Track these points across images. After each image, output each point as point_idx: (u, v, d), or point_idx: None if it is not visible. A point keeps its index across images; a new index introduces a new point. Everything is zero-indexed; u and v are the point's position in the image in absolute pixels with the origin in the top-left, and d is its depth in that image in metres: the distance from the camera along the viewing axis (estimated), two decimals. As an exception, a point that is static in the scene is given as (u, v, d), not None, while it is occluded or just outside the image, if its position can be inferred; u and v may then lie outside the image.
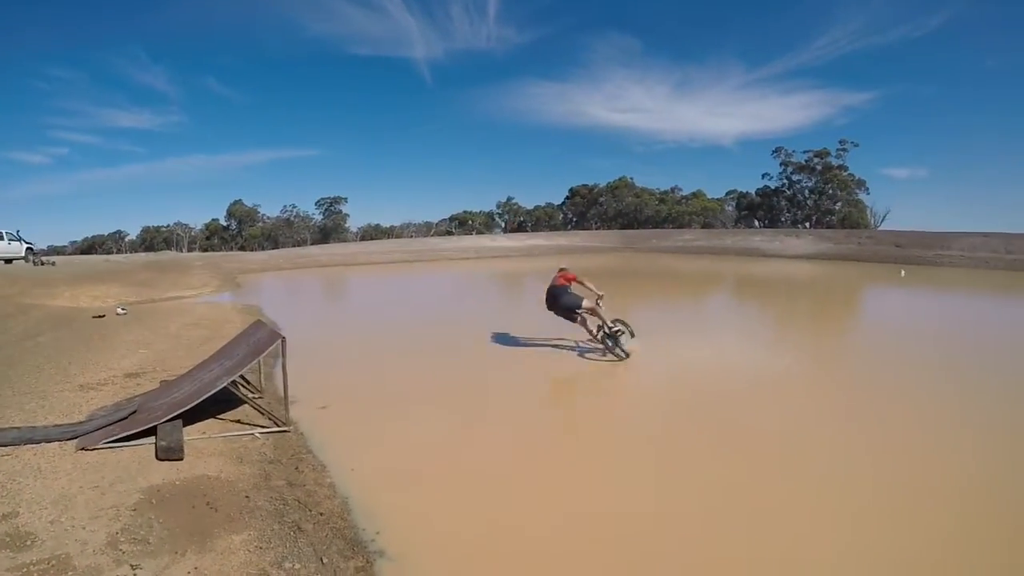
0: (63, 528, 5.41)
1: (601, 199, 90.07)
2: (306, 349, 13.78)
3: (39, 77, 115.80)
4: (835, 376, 12.68)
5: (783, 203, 79.95)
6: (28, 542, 5.14)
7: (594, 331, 13.68)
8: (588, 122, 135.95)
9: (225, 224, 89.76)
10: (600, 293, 13.72)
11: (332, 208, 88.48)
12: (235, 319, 18.58)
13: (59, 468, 6.80)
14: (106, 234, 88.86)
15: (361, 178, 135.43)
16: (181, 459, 7.15)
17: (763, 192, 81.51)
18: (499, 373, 12.77)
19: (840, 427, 9.17)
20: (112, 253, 73.37)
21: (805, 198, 77.84)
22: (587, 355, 13.63)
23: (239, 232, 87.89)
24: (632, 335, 13.25)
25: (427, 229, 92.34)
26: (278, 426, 8.53)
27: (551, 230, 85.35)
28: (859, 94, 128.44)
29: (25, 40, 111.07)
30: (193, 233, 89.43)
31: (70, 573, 4.73)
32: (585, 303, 13.61)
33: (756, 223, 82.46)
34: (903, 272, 36.25)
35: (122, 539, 5.24)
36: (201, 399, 8.24)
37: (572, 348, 14.24)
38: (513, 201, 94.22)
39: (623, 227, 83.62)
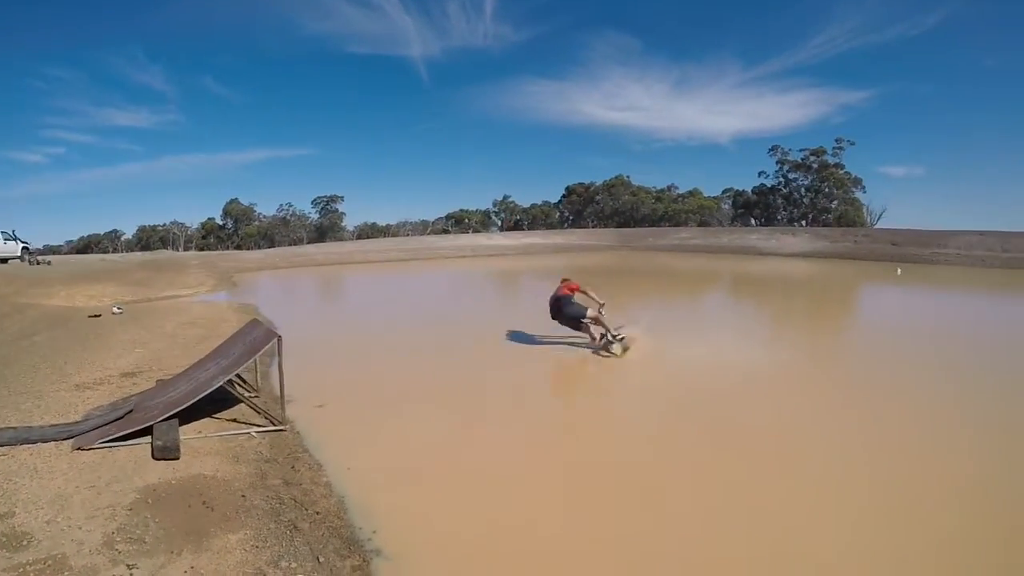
0: (59, 528, 5.41)
1: (598, 197, 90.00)
2: (302, 348, 13.76)
3: (36, 76, 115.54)
4: (831, 374, 12.70)
5: (779, 201, 79.98)
6: (24, 542, 5.14)
7: (597, 338, 13.70)
8: (585, 120, 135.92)
9: (221, 223, 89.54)
10: (602, 302, 13.80)
11: (328, 207, 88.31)
12: (231, 318, 18.56)
13: (55, 468, 6.79)
14: (102, 233, 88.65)
15: (357, 177, 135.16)
16: (177, 458, 7.15)
17: (759, 190, 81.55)
18: (496, 372, 12.77)
19: (837, 425, 9.19)
20: (108, 252, 73.18)
21: (801, 196, 77.86)
22: (584, 354, 13.63)
23: (235, 231, 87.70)
24: (626, 349, 13.29)
25: (423, 228, 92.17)
26: (274, 425, 8.53)
27: (547, 228, 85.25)
28: (856, 92, 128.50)
29: (21, 39, 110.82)
30: (189, 232, 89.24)
31: (66, 573, 4.73)
32: (589, 312, 13.69)
33: (752, 221, 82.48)
34: (899, 270, 36.30)
35: (118, 539, 5.24)
36: (197, 398, 8.24)
37: (569, 346, 14.23)
38: (510, 199, 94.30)
39: (619, 225, 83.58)
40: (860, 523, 6.09)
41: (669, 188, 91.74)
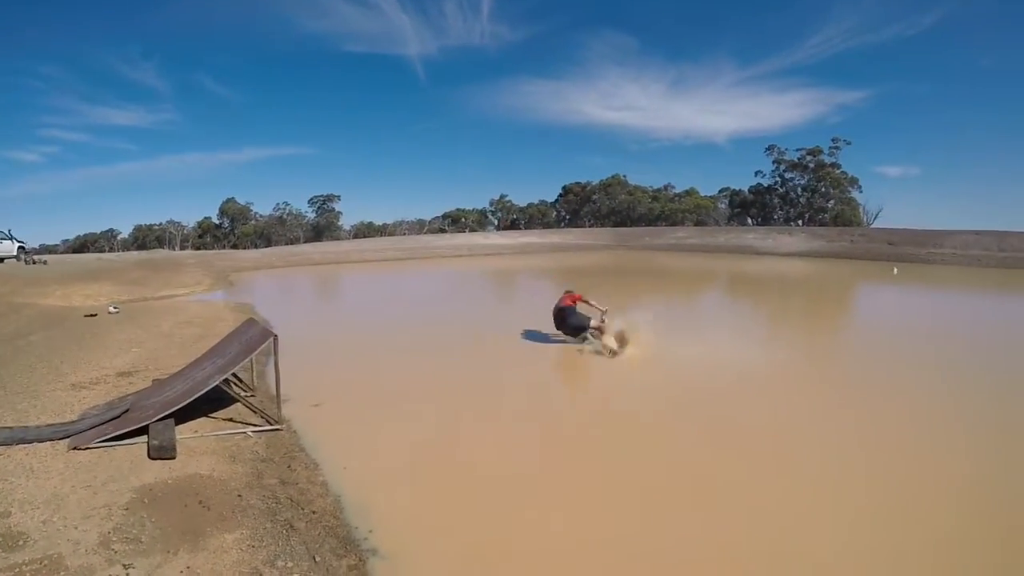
0: (55, 528, 5.40)
1: (594, 197, 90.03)
2: (299, 347, 13.75)
3: (31, 75, 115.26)
4: (828, 374, 12.73)
5: (776, 201, 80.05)
6: (20, 542, 5.13)
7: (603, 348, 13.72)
8: (582, 120, 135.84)
9: (218, 222, 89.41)
10: (604, 308, 14.01)
11: (325, 206, 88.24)
12: (228, 317, 18.55)
13: (51, 468, 6.78)
14: (98, 232, 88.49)
15: (354, 176, 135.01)
16: (173, 458, 7.15)
17: (756, 190, 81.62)
18: (491, 371, 12.80)
19: (834, 425, 9.21)
20: (104, 251, 73.05)
21: (798, 196, 77.94)
22: (580, 352, 13.64)
23: (232, 230, 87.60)
24: (625, 343, 13.35)
25: (420, 227, 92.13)
26: (271, 424, 8.53)
27: (544, 228, 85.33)
28: (852, 92, 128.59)
29: (16, 38, 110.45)
30: (186, 231, 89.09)
31: (62, 573, 4.73)
32: (592, 322, 13.91)
33: (749, 221, 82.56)
34: (896, 270, 36.38)
35: (114, 538, 5.24)
36: (193, 398, 8.24)
37: (565, 345, 14.24)
38: (506, 199, 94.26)
39: (616, 225, 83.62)
40: (857, 522, 6.11)
41: (666, 187, 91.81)
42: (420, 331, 17.53)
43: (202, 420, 8.58)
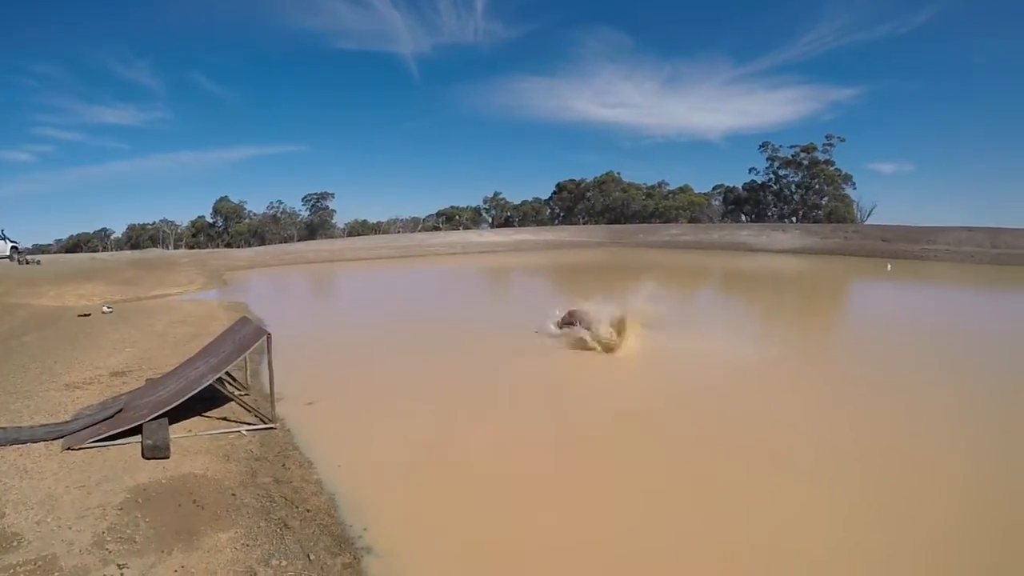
0: (49, 528, 5.40)
1: (588, 194, 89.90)
2: (293, 345, 13.76)
3: (24, 73, 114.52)
4: (822, 370, 12.79)
5: (770, 198, 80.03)
6: (14, 543, 5.13)
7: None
8: (576, 117, 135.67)
9: (211, 221, 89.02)
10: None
11: (319, 204, 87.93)
12: (222, 316, 18.52)
13: (45, 468, 6.78)
14: (92, 232, 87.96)
15: (348, 174, 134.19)
16: (167, 457, 7.15)
17: (750, 187, 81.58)
18: (485, 368, 12.82)
19: (829, 421, 9.27)
20: (98, 251, 72.75)
21: (792, 193, 77.92)
22: (575, 349, 13.66)
23: (225, 229, 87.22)
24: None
25: (414, 225, 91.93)
26: (264, 423, 8.53)
27: (538, 225, 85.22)
28: (845, 89, 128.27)
29: (10, 37, 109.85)
30: (179, 230, 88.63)
31: (56, 573, 4.73)
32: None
33: (743, 218, 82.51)
34: (889, 266, 36.47)
35: (108, 538, 5.24)
36: (187, 397, 8.23)
37: (561, 343, 14.25)
38: (500, 196, 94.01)
39: (610, 222, 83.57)
40: (852, 516, 6.16)
41: (660, 185, 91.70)
42: (414, 329, 17.54)
43: (196, 419, 8.58)
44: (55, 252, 74.53)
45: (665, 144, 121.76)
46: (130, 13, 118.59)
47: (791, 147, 77.24)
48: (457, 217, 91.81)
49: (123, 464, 6.94)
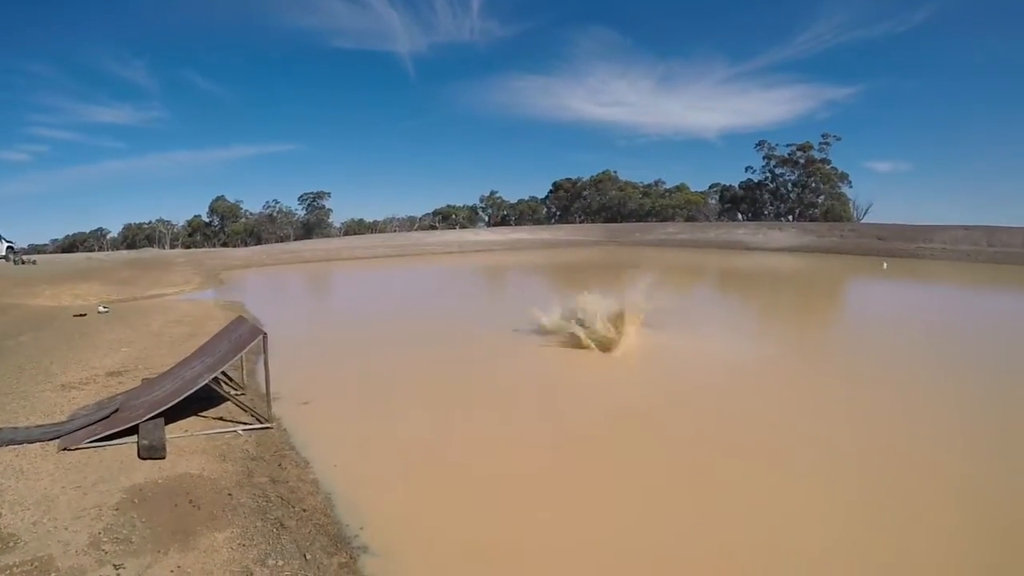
0: (45, 529, 5.40)
1: (584, 193, 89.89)
2: (289, 345, 13.76)
3: (18, 73, 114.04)
4: (819, 368, 12.83)
5: (766, 196, 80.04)
6: (11, 544, 5.13)
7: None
8: (572, 116, 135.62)
9: (207, 220, 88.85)
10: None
11: (315, 203, 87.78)
12: (218, 316, 18.51)
13: (41, 469, 6.77)
14: (87, 232, 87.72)
15: (344, 173, 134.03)
16: (163, 457, 7.15)
17: (746, 185, 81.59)
18: (481, 367, 12.83)
19: (825, 418, 9.29)
20: (94, 251, 72.62)
21: (788, 191, 77.93)
22: (571, 347, 13.67)
23: (222, 228, 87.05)
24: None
25: (410, 224, 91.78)
26: (261, 423, 8.54)
27: (535, 224, 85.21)
28: (842, 88, 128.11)
29: (5, 36, 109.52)
30: (175, 230, 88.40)
31: (53, 574, 4.73)
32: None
33: (739, 216, 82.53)
34: (885, 264, 36.52)
35: (105, 539, 5.24)
36: (182, 397, 8.23)
37: (556, 341, 14.26)
38: (496, 195, 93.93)
39: (607, 221, 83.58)
40: (848, 514, 6.18)
41: (656, 183, 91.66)
42: (410, 328, 17.55)
43: (192, 419, 8.58)
44: (51, 252, 74.37)
45: (661, 143, 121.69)
46: (125, 12, 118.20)
47: (787, 146, 77.30)
48: (453, 216, 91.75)
49: (119, 464, 6.94)
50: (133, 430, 7.64)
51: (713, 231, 64.50)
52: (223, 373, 9.63)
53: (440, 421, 9.39)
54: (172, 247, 79.94)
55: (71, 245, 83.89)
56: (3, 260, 38.41)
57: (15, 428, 7.90)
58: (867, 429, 8.76)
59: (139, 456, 7.15)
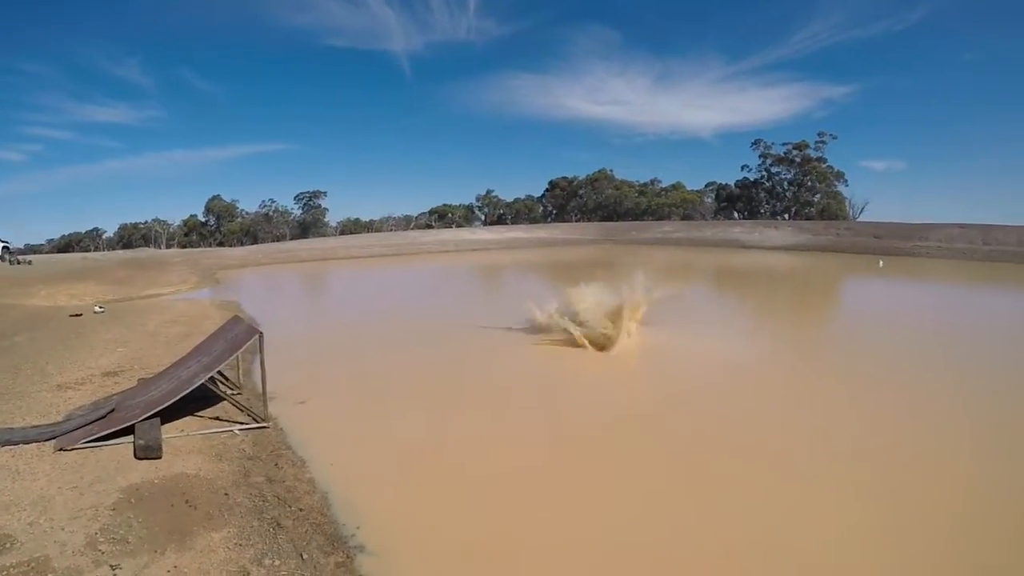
0: (42, 530, 5.40)
1: (581, 191, 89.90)
2: (285, 344, 13.74)
3: (13, 72, 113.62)
4: (815, 367, 12.85)
5: (762, 195, 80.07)
6: (7, 545, 5.13)
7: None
8: (568, 115, 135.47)
9: (204, 220, 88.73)
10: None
11: (311, 202, 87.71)
12: (214, 315, 18.49)
13: (37, 469, 6.77)
14: (83, 232, 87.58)
15: (340, 172, 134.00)
16: (159, 457, 7.15)
17: (742, 184, 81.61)
18: (477, 366, 12.84)
19: (823, 417, 9.30)
20: (90, 251, 72.53)
21: (784, 190, 77.98)
22: (568, 346, 13.67)
23: (218, 228, 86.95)
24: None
25: (407, 223, 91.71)
26: (257, 422, 8.54)
27: (531, 223, 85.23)
28: (838, 87, 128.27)
29: (1, 35, 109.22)
30: (171, 229, 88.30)
31: (49, 575, 4.73)
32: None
33: (735, 215, 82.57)
34: (881, 263, 36.54)
35: (101, 539, 5.24)
36: (179, 396, 8.23)
37: (554, 340, 14.26)
38: (493, 194, 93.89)
39: (603, 219, 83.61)
40: (844, 511, 6.20)
41: (652, 182, 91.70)
42: (406, 327, 17.54)
43: (188, 419, 8.58)
44: (47, 252, 74.27)
45: (657, 141, 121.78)
46: (121, 11, 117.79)
47: (783, 144, 77.31)
48: (450, 215, 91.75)
49: (115, 464, 6.94)
50: (129, 430, 7.64)
51: (709, 230, 64.53)
52: (219, 373, 9.64)
53: (436, 420, 9.40)
54: (168, 247, 79.87)
55: (67, 245, 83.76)
56: (-2, 260, 38.37)
57: (11, 428, 7.90)
58: (866, 428, 8.78)
59: (135, 456, 7.15)
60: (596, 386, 11.50)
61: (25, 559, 4.91)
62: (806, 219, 69.95)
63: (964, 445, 8.12)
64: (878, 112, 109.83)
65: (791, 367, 12.75)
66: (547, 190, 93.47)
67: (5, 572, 4.73)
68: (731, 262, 40.78)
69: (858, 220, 68.54)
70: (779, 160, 77.60)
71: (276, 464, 7.32)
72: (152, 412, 7.88)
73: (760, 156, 79.29)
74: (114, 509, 5.83)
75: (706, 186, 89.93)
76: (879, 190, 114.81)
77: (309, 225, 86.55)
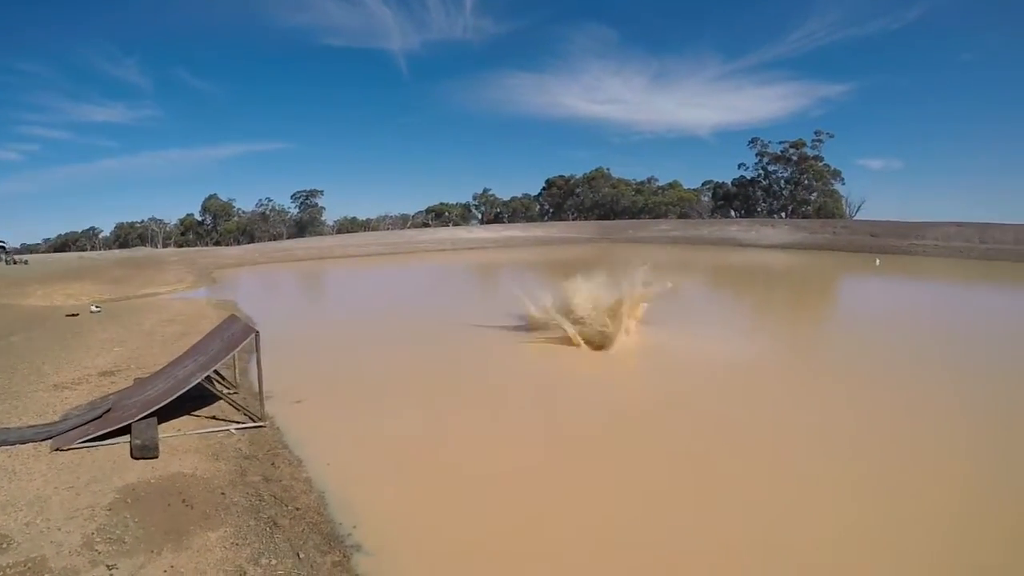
0: (38, 530, 5.40)
1: (578, 190, 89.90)
2: (281, 343, 13.75)
3: (9, 72, 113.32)
4: (813, 366, 12.88)
5: (759, 193, 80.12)
6: (3, 545, 5.13)
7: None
8: (565, 113, 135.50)
9: (200, 219, 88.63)
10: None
11: (308, 201, 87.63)
12: (211, 314, 18.48)
13: (34, 470, 6.77)
14: (80, 231, 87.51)
15: (337, 171, 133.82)
16: (156, 457, 7.15)
17: (739, 182, 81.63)
18: (476, 366, 12.83)
19: (819, 416, 9.31)
20: (86, 250, 72.45)
21: (781, 188, 78.01)
22: (565, 345, 13.67)
23: (214, 227, 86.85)
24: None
25: (404, 221, 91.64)
26: (254, 421, 8.54)
27: (528, 221, 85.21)
28: (835, 86, 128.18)
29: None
30: (168, 228, 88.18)
31: (46, 575, 4.73)
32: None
33: (732, 213, 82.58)
34: (878, 261, 36.57)
35: (98, 539, 5.25)
36: (175, 396, 8.23)
37: (552, 338, 14.26)
38: (490, 192, 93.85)
39: (600, 218, 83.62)
40: (842, 509, 6.21)
41: (649, 180, 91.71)
42: (402, 326, 17.53)
43: (185, 418, 8.58)
44: (43, 252, 74.15)
45: (654, 140, 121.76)
46: (118, 10, 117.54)
47: (780, 143, 77.35)
48: (447, 213, 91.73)
49: (112, 464, 6.94)
50: (126, 430, 7.64)
51: (706, 228, 64.53)
52: (216, 372, 9.64)
53: (433, 419, 9.40)
54: (165, 246, 79.78)
55: (63, 244, 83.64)
56: (-6, 260, 38.29)
57: (7, 429, 7.89)
58: (864, 427, 8.80)
59: (132, 456, 7.15)
60: (594, 385, 11.50)
61: (22, 559, 4.91)
62: (803, 217, 69.96)
63: (961, 444, 8.14)
64: (875, 111, 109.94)
65: (789, 366, 12.76)
66: (544, 189, 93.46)
67: (2, 572, 4.73)
68: (728, 260, 40.81)
69: (855, 218, 68.56)
70: (776, 159, 77.66)
71: (273, 463, 7.32)
72: (148, 412, 7.88)
73: (757, 155, 79.35)
74: (110, 509, 5.83)
75: (703, 185, 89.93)
76: (876, 188, 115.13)
77: (306, 224, 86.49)
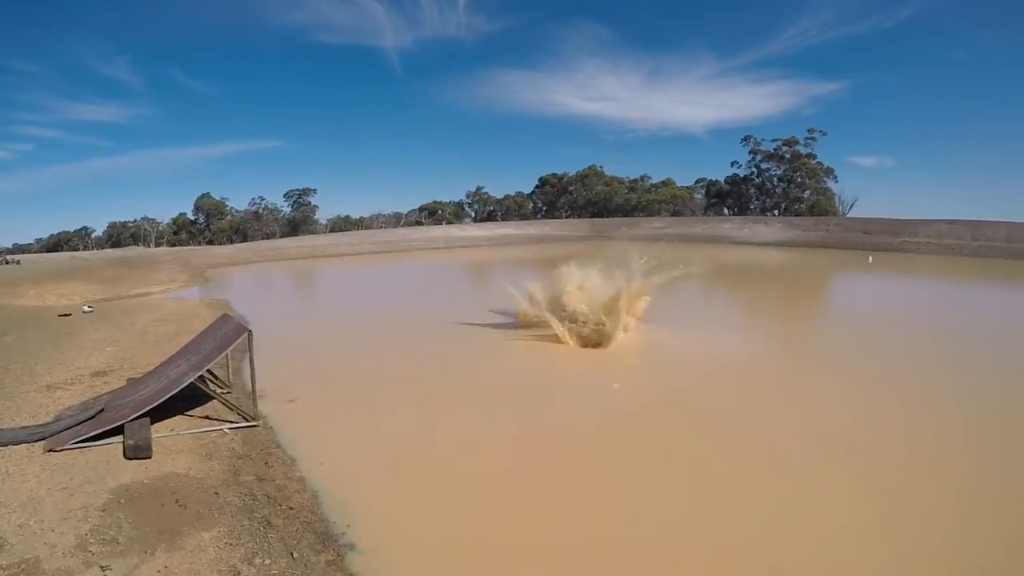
0: (32, 531, 5.40)
1: (571, 188, 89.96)
2: (275, 342, 13.73)
3: (5, 72, 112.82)
4: (807, 363, 12.94)
5: (752, 191, 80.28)
6: (-4, 545, 5.13)
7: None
8: (559, 111, 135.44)
9: (193, 218, 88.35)
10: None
11: (301, 200, 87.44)
12: (204, 314, 18.43)
13: (27, 471, 6.76)
14: (72, 231, 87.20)
15: (330, 169, 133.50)
16: (149, 457, 7.15)
17: (732, 180, 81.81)
18: (470, 364, 12.84)
19: (815, 413, 9.35)
20: (79, 250, 72.20)
21: (774, 186, 78.18)
22: (558, 344, 13.68)
23: (207, 226, 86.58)
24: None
25: (397, 220, 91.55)
26: (247, 421, 8.54)
27: (521, 219, 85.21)
28: (828, 84, 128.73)
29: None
30: (160, 228, 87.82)
31: None
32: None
33: (725, 211, 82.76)
34: (871, 258, 36.70)
35: (91, 540, 5.25)
36: (168, 396, 8.22)
37: (544, 336, 14.27)
38: (483, 190, 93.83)
39: (593, 216, 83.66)
40: (839, 508, 6.24)
41: (642, 178, 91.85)
42: (396, 324, 17.54)
43: (178, 418, 8.57)
44: (35, 251, 73.88)
45: (648, 138, 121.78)
46: (110, 9, 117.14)
47: (773, 141, 77.53)
48: (440, 212, 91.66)
49: (105, 465, 6.93)
50: (119, 430, 7.63)
51: (699, 226, 64.63)
52: (209, 371, 9.63)
53: (427, 418, 9.40)
54: (157, 245, 79.54)
55: (56, 244, 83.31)
56: (-14, 260, 38.15)
57: (0, 430, 7.88)
58: (860, 425, 8.85)
59: (125, 456, 7.14)
60: (590, 383, 11.54)
61: (15, 560, 4.91)
62: (796, 215, 70.16)
63: (957, 442, 8.19)
64: (867, 109, 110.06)
65: (784, 363, 12.80)
66: (537, 187, 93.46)
67: (-5, 573, 4.73)
68: (721, 258, 40.82)
69: (847, 216, 68.72)
70: (769, 156, 77.81)
71: (266, 463, 7.32)
72: (141, 412, 7.88)
73: (750, 152, 79.50)
74: (104, 510, 5.83)
75: (696, 182, 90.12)
76: (868, 186, 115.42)
77: (299, 223, 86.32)
